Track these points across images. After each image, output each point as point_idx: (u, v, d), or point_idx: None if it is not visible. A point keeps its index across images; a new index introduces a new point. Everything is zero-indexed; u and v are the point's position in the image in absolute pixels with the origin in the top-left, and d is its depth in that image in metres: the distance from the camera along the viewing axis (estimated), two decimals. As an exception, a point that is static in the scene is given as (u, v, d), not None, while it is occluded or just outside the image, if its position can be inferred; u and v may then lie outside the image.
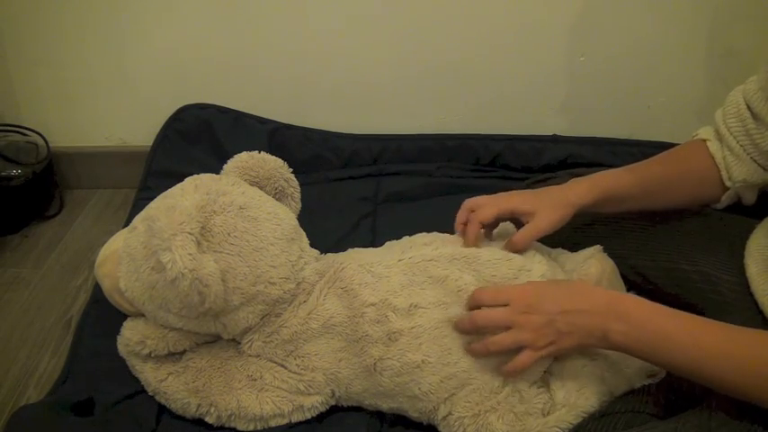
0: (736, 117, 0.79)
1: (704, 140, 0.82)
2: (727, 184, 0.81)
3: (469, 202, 0.83)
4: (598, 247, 0.86)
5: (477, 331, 0.73)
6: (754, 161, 0.79)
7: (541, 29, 1.22)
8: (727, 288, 0.79)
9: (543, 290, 0.72)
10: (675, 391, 0.72)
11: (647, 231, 0.88)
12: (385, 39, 1.24)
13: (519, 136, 1.28)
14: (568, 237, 0.91)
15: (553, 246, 0.89)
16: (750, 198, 0.83)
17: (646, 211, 0.86)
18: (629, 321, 0.66)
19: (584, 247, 0.87)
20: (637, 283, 0.88)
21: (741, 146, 0.78)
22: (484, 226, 0.82)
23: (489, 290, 0.74)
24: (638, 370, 0.75)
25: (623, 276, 0.87)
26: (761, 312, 0.75)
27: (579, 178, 0.83)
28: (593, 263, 0.84)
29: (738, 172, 0.79)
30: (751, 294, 0.76)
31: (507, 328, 0.70)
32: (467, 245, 0.81)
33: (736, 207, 0.86)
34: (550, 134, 1.29)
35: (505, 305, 0.71)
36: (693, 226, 0.87)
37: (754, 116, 0.77)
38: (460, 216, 0.83)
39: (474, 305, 0.74)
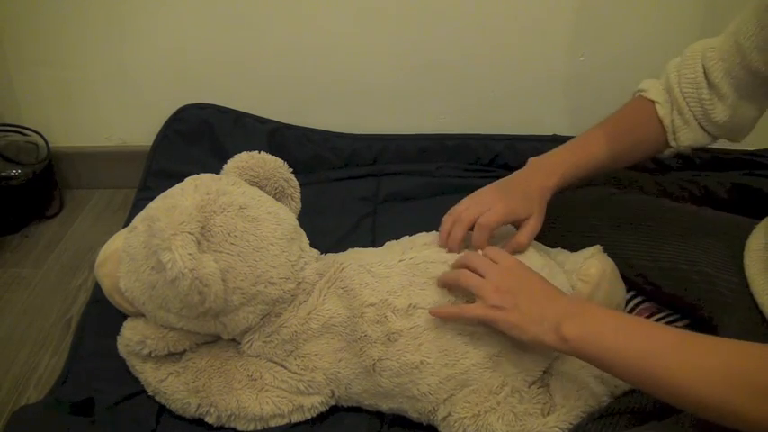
0: (692, 83, 0.80)
1: (653, 102, 0.83)
2: (672, 144, 0.83)
3: (455, 212, 0.83)
4: (598, 247, 0.86)
5: (450, 286, 0.76)
6: (701, 127, 0.81)
7: (541, 29, 1.22)
8: (727, 288, 0.79)
9: (521, 275, 0.73)
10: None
11: (647, 232, 0.88)
12: (385, 39, 1.24)
13: (519, 136, 1.28)
14: (568, 237, 0.91)
15: (553, 246, 0.89)
16: (687, 152, 0.85)
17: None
18: (584, 319, 0.66)
19: (584, 247, 0.87)
20: (637, 283, 0.88)
21: (692, 112, 0.80)
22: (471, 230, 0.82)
23: (479, 256, 0.76)
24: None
25: (623, 276, 0.87)
26: (760, 312, 0.75)
27: (540, 164, 0.85)
28: (593, 263, 0.84)
29: (685, 137, 0.82)
30: (750, 294, 0.76)
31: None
32: (452, 250, 0.82)
33: (736, 207, 0.86)
34: (550, 134, 1.29)
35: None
36: (693, 226, 0.87)
37: (710, 85, 0.78)
38: (446, 224, 0.83)
39: (463, 263, 0.76)
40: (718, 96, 0.78)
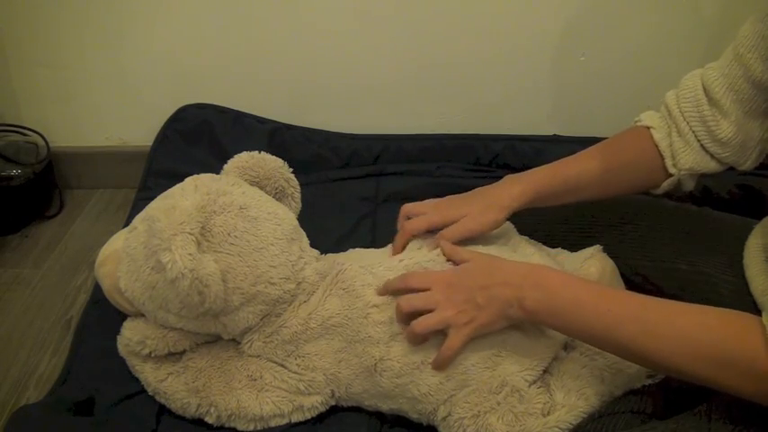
0: (691, 101, 0.77)
1: (648, 128, 0.81)
2: (671, 171, 0.80)
3: (406, 208, 0.84)
4: (598, 247, 0.86)
5: (405, 318, 0.74)
6: (703, 149, 0.78)
7: (542, 29, 1.22)
8: (727, 288, 0.79)
9: (463, 269, 0.74)
10: (675, 391, 0.72)
11: (647, 232, 0.88)
12: (385, 39, 1.24)
13: (519, 136, 1.28)
14: (568, 237, 0.91)
15: (553, 246, 0.89)
16: (690, 185, 0.82)
17: (586, 201, 0.87)
18: (544, 289, 0.68)
19: (584, 247, 0.87)
20: (637, 283, 0.88)
21: (693, 132, 0.77)
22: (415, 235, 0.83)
23: (416, 274, 0.76)
24: (639, 370, 0.75)
25: (623, 276, 0.87)
26: (760, 312, 0.74)
27: (514, 177, 0.83)
28: (593, 263, 0.84)
29: (685, 160, 0.79)
30: (750, 294, 0.76)
31: (432, 310, 0.72)
32: (394, 253, 0.82)
33: (737, 207, 0.86)
34: (550, 134, 1.29)
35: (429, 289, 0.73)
36: (693, 226, 0.87)
37: (711, 102, 0.76)
38: (399, 222, 0.84)
39: (402, 288, 0.75)
40: (722, 113, 0.75)
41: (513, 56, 1.25)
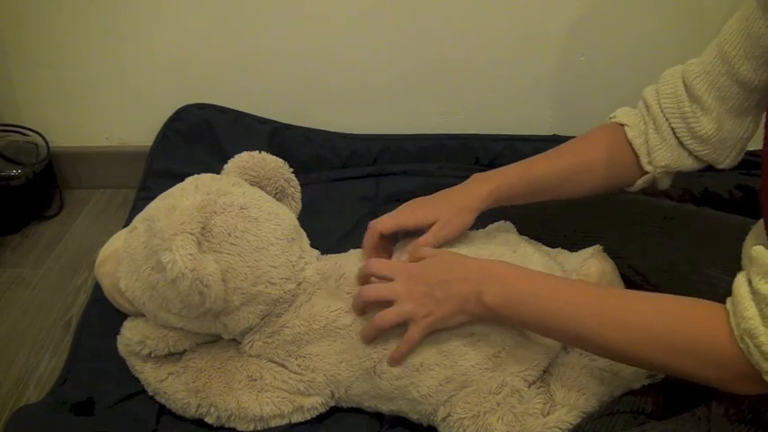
0: (671, 97, 0.77)
1: (622, 125, 0.81)
2: (647, 168, 0.79)
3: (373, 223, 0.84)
4: (598, 247, 0.86)
5: (366, 306, 0.75)
6: (681, 145, 0.77)
7: (542, 29, 1.22)
8: (726, 289, 0.79)
9: (425, 263, 0.75)
10: (675, 391, 0.72)
11: (647, 232, 0.88)
12: (385, 39, 1.24)
13: (519, 136, 1.28)
14: (568, 237, 0.91)
15: (553, 246, 0.89)
16: (666, 183, 0.82)
17: (559, 200, 0.86)
18: (502, 283, 0.69)
19: (584, 247, 0.87)
20: (637, 283, 0.88)
21: (671, 128, 0.77)
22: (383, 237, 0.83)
23: (381, 261, 0.76)
24: (638, 371, 0.75)
25: (623, 276, 0.87)
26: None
27: (482, 176, 0.83)
28: (593, 263, 0.84)
29: (662, 157, 0.78)
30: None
31: (392, 303, 0.72)
32: (368, 253, 0.82)
33: (737, 207, 0.85)
34: (550, 134, 1.29)
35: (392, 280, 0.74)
36: (693, 227, 0.87)
37: (692, 98, 0.75)
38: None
39: (366, 274, 0.75)
40: (702, 109, 0.75)
41: (514, 56, 1.25)
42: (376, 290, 0.74)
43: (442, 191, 0.84)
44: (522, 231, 0.90)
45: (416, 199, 0.85)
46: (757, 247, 0.57)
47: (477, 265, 0.72)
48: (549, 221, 0.93)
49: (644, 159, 0.79)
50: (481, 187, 0.81)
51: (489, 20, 1.21)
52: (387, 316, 0.72)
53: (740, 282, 0.58)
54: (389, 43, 1.25)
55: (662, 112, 0.77)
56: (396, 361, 0.75)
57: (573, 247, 0.88)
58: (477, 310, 0.70)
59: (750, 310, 0.56)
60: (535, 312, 0.67)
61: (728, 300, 0.59)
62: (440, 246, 0.80)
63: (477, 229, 0.89)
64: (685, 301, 0.62)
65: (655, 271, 0.86)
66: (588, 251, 0.86)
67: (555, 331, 0.68)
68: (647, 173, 0.80)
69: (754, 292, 0.56)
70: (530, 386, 0.76)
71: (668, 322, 0.61)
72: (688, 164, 0.78)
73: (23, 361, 1.00)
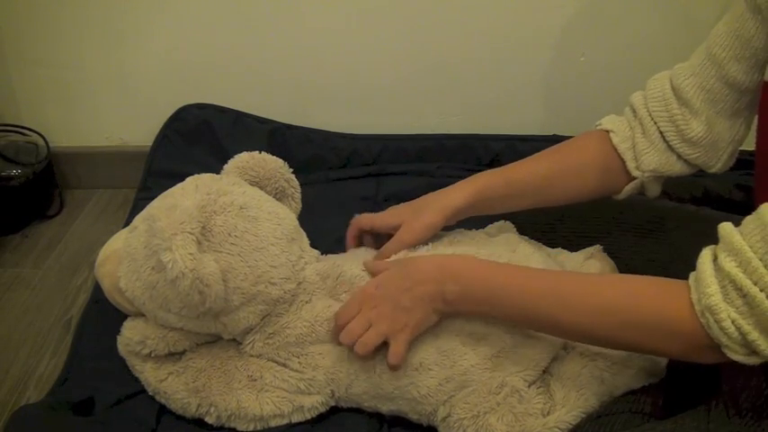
0: (659, 101, 0.76)
1: (607, 131, 0.80)
2: (634, 173, 0.79)
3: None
4: (598, 247, 0.86)
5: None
6: (670, 149, 0.77)
7: (541, 29, 1.22)
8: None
9: (381, 279, 0.75)
10: (675, 391, 0.72)
11: (647, 232, 0.88)
12: (385, 39, 1.24)
13: (519, 136, 1.28)
14: (568, 237, 0.91)
15: (553, 246, 0.89)
16: (655, 190, 0.81)
17: (543, 206, 0.85)
18: (461, 279, 0.69)
19: (584, 247, 0.87)
20: (637, 283, 0.88)
21: (660, 131, 0.76)
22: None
23: (342, 308, 0.76)
24: (638, 371, 0.75)
25: (623, 276, 0.87)
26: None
27: (466, 179, 0.82)
28: (593, 263, 0.84)
29: (649, 161, 0.77)
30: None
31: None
32: (348, 247, 0.86)
33: (735, 207, 0.85)
34: (550, 134, 1.29)
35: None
36: (692, 227, 0.87)
37: (681, 101, 0.75)
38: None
39: (341, 325, 0.75)
40: (692, 112, 0.74)
41: (514, 56, 1.25)
42: (350, 332, 0.74)
43: (431, 192, 0.84)
44: (522, 231, 0.90)
45: (409, 201, 0.85)
46: (725, 224, 0.58)
47: (434, 264, 0.72)
48: (550, 221, 0.93)
49: (630, 164, 0.79)
50: (457, 189, 0.81)
51: (489, 20, 1.22)
52: (367, 341, 0.73)
53: (705, 258, 0.59)
54: (390, 43, 1.25)
55: (650, 115, 0.77)
56: (393, 368, 0.75)
57: (573, 247, 0.88)
58: (444, 308, 0.71)
59: (712, 286, 0.57)
60: (498, 303, 0.69)
61: (691, 275, 0.60)
62: (399, 251, 0.80)
63: (477, 229, 0.89)
64: (650, 280, 0.63)
65: (653, 271, 0.86)
66: (588, 251, 0.86)
67: (520, 318, 0.69)
68: (634, 178, 0.80)
69: (718, 269, 0.57)
70: (530, 386, 0.76)
71: (631, 302, 0.62)
72: (677, 168, 0.78)
73: (23, 361, 1.00)
